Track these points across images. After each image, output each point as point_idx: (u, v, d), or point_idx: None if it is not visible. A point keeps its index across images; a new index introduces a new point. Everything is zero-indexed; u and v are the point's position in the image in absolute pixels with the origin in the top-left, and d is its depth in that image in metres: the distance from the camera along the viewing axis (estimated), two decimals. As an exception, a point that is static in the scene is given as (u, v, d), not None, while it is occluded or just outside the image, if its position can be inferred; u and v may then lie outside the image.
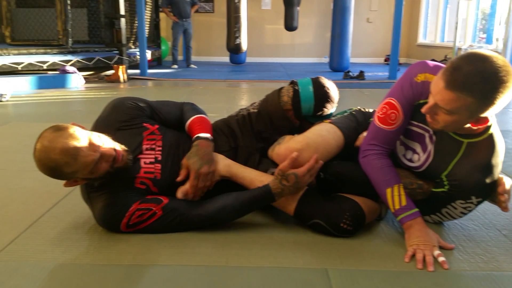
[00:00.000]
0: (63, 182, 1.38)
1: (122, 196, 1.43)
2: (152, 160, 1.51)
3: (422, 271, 1.27)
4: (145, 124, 1.55)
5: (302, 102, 1.66)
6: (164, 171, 1.51)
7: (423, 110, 1.28)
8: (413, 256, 1.33)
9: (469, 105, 1.18)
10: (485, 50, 1.22)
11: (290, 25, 8.26)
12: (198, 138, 1.54)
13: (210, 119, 1.66)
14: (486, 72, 1.15)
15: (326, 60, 9.25)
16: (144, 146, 1.52)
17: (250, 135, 1.70)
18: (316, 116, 1.69)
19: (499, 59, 1.16)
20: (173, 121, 1.65)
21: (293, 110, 1.68)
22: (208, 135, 1.56)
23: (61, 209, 1.68)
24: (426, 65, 1.39)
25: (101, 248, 1.38)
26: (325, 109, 1.68)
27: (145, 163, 1.50)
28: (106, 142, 1.38)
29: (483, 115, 1.22)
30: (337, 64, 7.61)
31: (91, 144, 1.33)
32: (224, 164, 1.56)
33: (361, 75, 6.61)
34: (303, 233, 1.49)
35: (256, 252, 1.37)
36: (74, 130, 1.33)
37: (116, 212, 1.42)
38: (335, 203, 1.46)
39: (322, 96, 1.65)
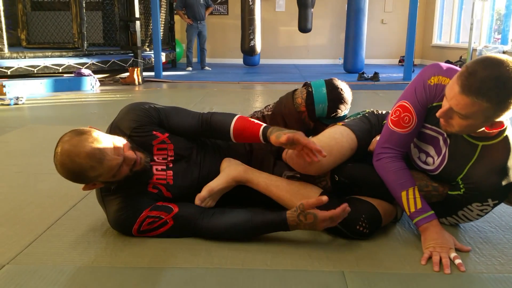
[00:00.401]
0: (81, 185, 1.40)
1: (135, 200, 1.45)
2: (164, 167, 1.52)
3: (439, 273, 1.26)
4: (154, 133, 1.53)
5: (315, 104, 1.66)
6: (176, 177, 1.53)
7: (438, 114, 1.27)
8: (429, 258, 1.33)
9: (484, 110, 1.18)
10: (499, 54, 1.20)
11: (304, 27, 8.26)
12: (269, 127, 1.49)
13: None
14: (502, 77, 1.14)
15: (340, 61, 9.22)
16: (155, 154, 1.53)
17: None
18: (330, 117, 1.70)
19: None
20: (186, 130, 1.58)
21: (307, 112, 1.68)
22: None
23: (78, 212, 1.70)
24: (439, 67, 1.38)
25: (118, 251, 1.39)
26: (339, 110, 1.68)
27: (156, 170, 1.51)
28: (126, 146, 1.40)
29: (498, 119, 1.21)
30: (351, 65, 7.58)
31: (115, 148, 1.35)
32: (239, 170, 1.57)
33: (375, 77, 6.57)
34: (319, 235, 1.50)
35: (272, 255, 1.37)
36: (98, 134, 1.35)
37: (128, 217, 1.44)
38: (351, 205, 1.45)
39: (336, 98, 1.65)
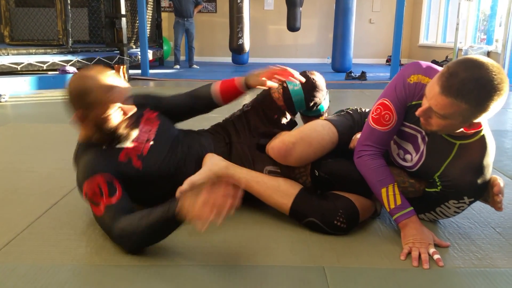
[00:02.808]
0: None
1: (101, 160, 1.43)
2: (144, 139, 1.56)
3: (418, 268, 1.28)
4: (148, 108, 1.66)
5: (293, 97, 1.70)
6: (152, 151, 1.54)
7: (417, 113, 1.29)
8: (408, 254, 1.34)
9: (462, 111, 1.19)
10: (481, 56, 1.22)
11: (292, 26, 8.27)
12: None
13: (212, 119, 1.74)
14: (482, 80, 1.15)
15: (328, 61, 9.25)
16: (142, 124, 1.59)
17: (244, 132, 1.74)
18: (310, 107, 1.73)
19: (494, 66, 1.17)
20: (177, 105, 1.76)
21: (286, 106, 1.73)
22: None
23: (58, 210, 1.69)
24: (419, 66, 1.40)
25: (99, 248, 1.38)
26: (316, 98, 1.72)
27: (136, 140, 1.54)
28: (131, 98, 1.49)
29: (476, 120, 1.23)
30: (339, 64, 7.62)
31: (124, 89, 1.44)
32: (221, 166, 1.58)
33: (363, 76, 6.61)
34: (301, 231, 1.50)
35: (254, 251, 1.38)
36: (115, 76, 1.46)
37: (86, 172, 1.39)
38: (329, 201, 1.47)
39: (310, 86, 1.70)
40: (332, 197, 1.49)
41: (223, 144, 1.71)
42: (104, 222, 1.35)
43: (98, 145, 1.48)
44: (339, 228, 1.44)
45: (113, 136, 1.47)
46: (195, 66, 8.19)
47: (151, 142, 1.56)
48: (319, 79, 1.73)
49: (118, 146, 1.50)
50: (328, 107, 1.84)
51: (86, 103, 1.38)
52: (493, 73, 1.16)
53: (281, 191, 1.52)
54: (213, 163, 1.58)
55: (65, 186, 1.93)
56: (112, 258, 1.33)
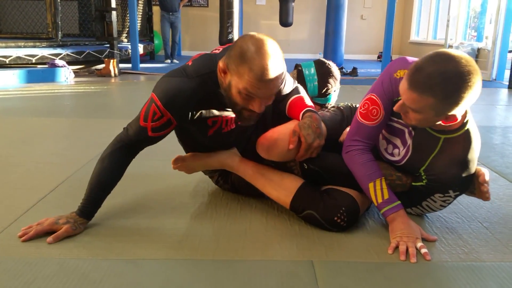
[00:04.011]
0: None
1: (188, 101, 1.37)
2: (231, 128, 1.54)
3: (405, 262, 1.29)
4: None
5: (306, 81, 1.71)
6: (227, 134, 1.54)
7: (394, 108, 1.31)
8: (396, 248, 1.35)
9: (432, 104, 1.20)
10: (451, 49, 1.23)
11: (285, 21, 8.24)
12: (309, 110, 1.48)
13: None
14: (448, 73, 1.16)
15: (320, 56, 9.26)
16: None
17: (259, 124, 1.71)
18: (322, 95, 1.75)
19: (463, 59, 1.18)
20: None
21: None
22: (312, 108, 1.52)
23: (46, 205, 1.67)
24: (405, 61, 1.40)
25: (86, 243, 1.37)
26: (329, 85, 1.75)
27: (226, 123, 1.51)
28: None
29: (450, 113, 1.24)
30: (331, 60, 7.61)
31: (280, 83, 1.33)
32: (233, 159, 1.64)
33: (354, 72, 6.64)
34: (291, 226, 1.51)
35: (243, 245, 1.38)
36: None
37: (164, 94, 1.36)
38: (331, 197, 1.47)
39: (324, 72, 1.74)
40: (334, 193, 1.49)
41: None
42: (132, 129, 1.44)
43: (214, 85, 1.38)
44: (338, 225, 1.44)
45: (231, 108, 1.39)
46: (175, 61, 8.09)
47: (234, 127, 1.54)
48: (334, 67, 1.79)
49: (222, 111, 1.45)
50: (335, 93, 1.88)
51: (237, 69, 1.26)
52: (460, 66, 1.16)
53: (284, 184, 1.54)
54: (228, 154, 1.64)
55: (53, 180, 1.91)
56: (100, 251, 1.32)
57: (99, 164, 1.45)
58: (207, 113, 1.45)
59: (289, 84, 1.60)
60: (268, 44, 1.27)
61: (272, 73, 1.25)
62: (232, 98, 1.33)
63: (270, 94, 1.31)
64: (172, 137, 1.69)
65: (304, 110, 1.49)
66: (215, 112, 1.45)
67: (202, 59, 1.43)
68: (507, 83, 5.53)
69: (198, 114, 1.43)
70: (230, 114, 1.49)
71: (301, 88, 1.64)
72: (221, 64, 1.32)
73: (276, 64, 1.26)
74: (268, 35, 1.30)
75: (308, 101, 1.56)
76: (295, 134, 1.42)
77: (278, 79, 1.28)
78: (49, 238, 1.36)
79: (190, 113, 1.41)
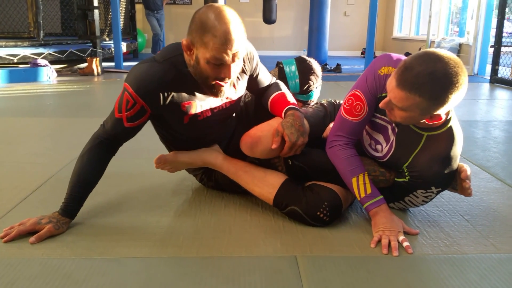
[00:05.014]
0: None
1: (158, 85, 1.38)
2: (210, 107, 1.52)
3: (387, 256, 1.30)
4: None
5: (288, 78, 1.73)
6: (204, 121, 1.51)
7: (380, 105, 1.32)
8: (379, 241, 1.37)
9: (418, 104, 1.22)
10: (440, 49, 1.24)
11: (268, 18, 8.23)
12: (291, 108, 1.49)
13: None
14: (436, 73, 1.18)
15: (304, 53, 9.29)
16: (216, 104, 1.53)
17: (243, 122, 1.73)
18: (304, 91, 1.77)
19: (451, 60, 1.19)
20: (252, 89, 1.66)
21: None
22: (294, 105, 1.52)
23: (29, 205, 1.65)
24: (390, 58, 1.42)
25: (70, 242, 1.36)
26: (310, 82, 1.76)
27: (209, 108, 1.51)
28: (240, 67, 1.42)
29: (435, 113, 1.25)
30: (315, 57, 7.53)
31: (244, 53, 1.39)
32: (216, 157, 1.63)
33: (338, 68, 6.67)
34: (275, 222, 1.51)
35: (227, 242, 1.38)
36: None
37: (135, 82, 1.37)
38: (314, 192, 1.48)
39: (305, 69, 1.74)
40: (317, 188, 1.50)
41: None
42: (108, 123, 1.45)
43: (183, 66, 1.40)
44: (321, 220, 1.45)
45: (202, 83, 1.41)
46: None
47: (210, 114, 1.52)
48: (315, 64, 1.79)
49: (193, 96, 1.45)
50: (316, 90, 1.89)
51: (201, 40, 1.28)
52: (449, 67, 1.18)
53: (267, 180, 1.54)
54: (210, 152, 1.63)
55: (36, 180, 1.89)
56: (83, 251, 1.31)
57: (79, 162, 1.44)
58: (179, 97, 1.44)
59: (264, 71, 1.61)
60: (226, 10, 1.31)
61: (235, 35, 1.29)
62: (202, 71, 1.35)
63: (238, 57, 1.33)
64: (154, 135, 1.68)
65: (286, 108, 1.50)
66: (186, 95, 1.45)
67: (169, 46, 1.48)
68: (489, 78, 5.62)
69: (170, 98, 1.41)
70: (203, 100, 1.48)
71: (282, 84, 1.65)
72: (184, 41, 1.34)
73: (237, 26, 1.30)
74: (223, 4, 1.35)
75: (290, 98, 1.57)
76: (278, 134, 1.44)
77: (242, 39, 1.32)
78: (32, 238, 1.35)
79: (162, 97, 1.40)
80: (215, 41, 1.26)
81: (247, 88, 1.63)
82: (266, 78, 1.63)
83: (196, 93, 1.46)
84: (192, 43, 1.32)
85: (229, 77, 1.35)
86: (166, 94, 1.40)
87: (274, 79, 1.67)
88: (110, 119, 1.45)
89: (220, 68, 1.33)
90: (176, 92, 1.42)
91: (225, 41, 1.27)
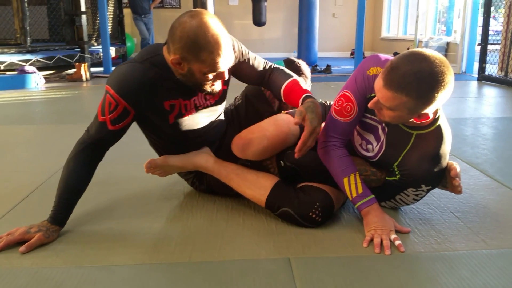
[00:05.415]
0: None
1: (141, 87, 1.38)
2: (196, 105, 1.53)
3: (380, 255, 1.30)
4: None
5: None
6: (190, 119, 1.52)
7: (369, 105, 1.33)
8: (371, 241, 1.37)
9: (405, 103, 1.23)
10: (426, 49, 1.25)
11: (258, 20, 8.25)
12: (310, 96, 1.45)
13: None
14: (422, 73, 1.18)
15: (295, 55, 9.31)
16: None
17: (234, 125, 1.72)
18: None
19: (437, 59, 1.20)
20: (250, 79, 1.64)
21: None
22: (311, 94, 1.49)
23: (17, 214, 1.63)
24: (378, 58, 1.43)
25: (60, 251, 1.34)
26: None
27: (194, 104, 1.52)
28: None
29: (423, 112, 1.26)
30: (305, 58, 7.66)
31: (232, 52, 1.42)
32: (207, 160, 1.62)
33: (328, 69, 6.69)
34: (267, 225, 1.51)
35: (220, 246, 1.37)
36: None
37: (117, 83, 1.38)
38: (305, 193, 1.48)
39: (294, 70, 1.72)
40: (308, 189, 1.50)
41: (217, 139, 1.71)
42: (92, 128, 1.44)
43: (163, 66, 1.41)
44: (314, 221, 1.45)
45: (196, 88, 1.44)
46: None
47: (196, 112, 1.53)
48: (304, 66, 1.78)
49: (179, 90, 1.45)
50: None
51: (196, 57, 1.31)
52: (435, 66, 1.19)
53: (259, 183, 1.54)
54: (201, 155, 1.62)
55: (24, 189, 1.87)
56: (73, 259, 1.30)
57: (65, 169, 1.43)
58: (162, 96, 1.43)
59: (253, 55, 1.60)
60: (210, 21, 1.31)
61: (227, 45, 1.34)
62: (197, 80, 1.39)
63: (232, 60, 1.40)
64: (144, 140, 1.67)
65: (304, 95, 1.46)
66: (169, 94, 1.45)
67: (147, 48, 1.48)
68: (476, 76, 5.67)
69: (152, 97, 1.41)
70: (186, 97, 1.48)
71: (286, 69, 1.61)
72: (172, 58, 1.34)
73: (225, 37, 1.34)
74: (201, 11, 1.34)
75: (303, 85, 1.53)
76: (301, 114, 1.38)
77: (230, 44, 1.39)
78: (22, 248, 1.33)
79: (143, 97, 1.40)
80: (212, 56, 1.31)
81: (244, 80, 1.62)
82: (258, 61, 1.61)
83: (179, 92, 1.46)
84: (183, 59, 1.33)
85: (225, 78, 1.41)
86: (147, 93, 1.40)
87: (269, 63, 1.63)
88: (94, 124, 1.44)
89: (217, 74, 1.37)
90: (158, 91, 1.42)
91: (221, 54, 1.32)
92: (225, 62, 1.35)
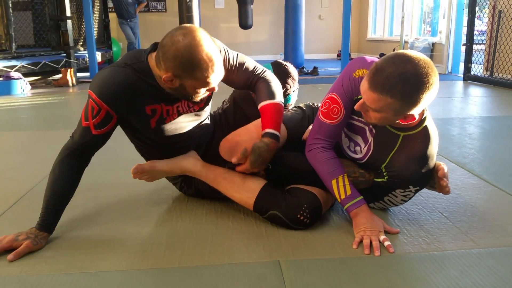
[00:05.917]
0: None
1: (123, 90, 1.38)
2: (178, 111, 1.53)
3: (369, 256, 1.31)
4: None
5: None
6: (172, 123, 1.52)
7: (355, 107, 1.34)
8: (360, 242, 1.37)
9: (390, 105, 1.24)
10: (410, 51, 1.27)
11: (245, 23, 8.25)
12: (272, 135, 1.47)
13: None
14: (406, 74, 1.19)
15: (281, 57, 9.33)
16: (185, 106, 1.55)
17: (221, 129, 1.72)
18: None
19: (421, 60, 1.21)
20: (238, 84, 1.64)
21: None
22: (277, 133, 1.49)
23: (4, 222, 1.61)
24: (364, 61, 1.43)
25: (48, 258, 1.33)
26: (287, 85, 1.76)
27: (177, 109, 1.52)
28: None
29: (409, 113, 1.27)
30: (292, 60, 7.69)
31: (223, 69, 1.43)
32: (195, 164, 1.61)
33: (315, 71, 6.72)
34: (257, 228, 1.51)
35: (210, 250, 1.37)
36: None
37: (99, 87, 1.38)
38: (293, 195, 1.48)
39: (282, 73, 1.73)
40: (296, 191, 1.51)
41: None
42: (77, 133, 1.43)
43: (145, 74, 1.41)
44: (302, 223, 1.46)
45: (186, 99, 1.47)
46: None
47: (178, 117, 1.53)
48: (291, 68, 1.79)
49: (161, 95, 1.45)
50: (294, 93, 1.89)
51: (190, 75, 1.33)
52: (419, 67, 1.20)
53: (247, 186, 1.53)
54: (188, 160, 1.62)
55: (12, 196, 1.84)
56: (62, 266, 1.28)
57: (51, 175, 1.42)
58: (143, 101, 1.44)
59: (242, 60, 1.59)
60: (204, 41, 1.32)
61: (219, 63, 1.36)
62: (189, 94, 1.41)
63: (222, 75, 1.41)
64: (131, 145, 1.66)
65: (266, 131, 1.48)
66: (150, 99, 1.45)
67: (129, 53, 1.48)
68: (462, 75, 5.74)
69: (133, 101, 1.41)
70: (168, 103, 1.49)
71: (273, 82, 1.59)
72: (164, 76, 1.34)
73: (217, 54, 1.35)
74: (192, 28, 1.34)
75: (277, 113, 1.52)
76: (244, 154, 1.46)
77: (221, 60, 1.40)
78: (10, 256, 1.31)
79: (125, 101, 1.40)
80: (206, 74, 1.33)
81: (231, 85, 1.63)
82: (247, 66, 1.59)
83: (161, 98, 1.46)
84: (176, 76, 1.34)
85: (215, 91, 1.44)
86: (129, 96, 1.40)
87: (259, 67, 1.62)
88: (78, 129, 1.44)
89: (208, 89, 1.40)
90: (139, 96, 1.42)
91: (214, 71, 1.34)
92: (217, 78, 1.37)
